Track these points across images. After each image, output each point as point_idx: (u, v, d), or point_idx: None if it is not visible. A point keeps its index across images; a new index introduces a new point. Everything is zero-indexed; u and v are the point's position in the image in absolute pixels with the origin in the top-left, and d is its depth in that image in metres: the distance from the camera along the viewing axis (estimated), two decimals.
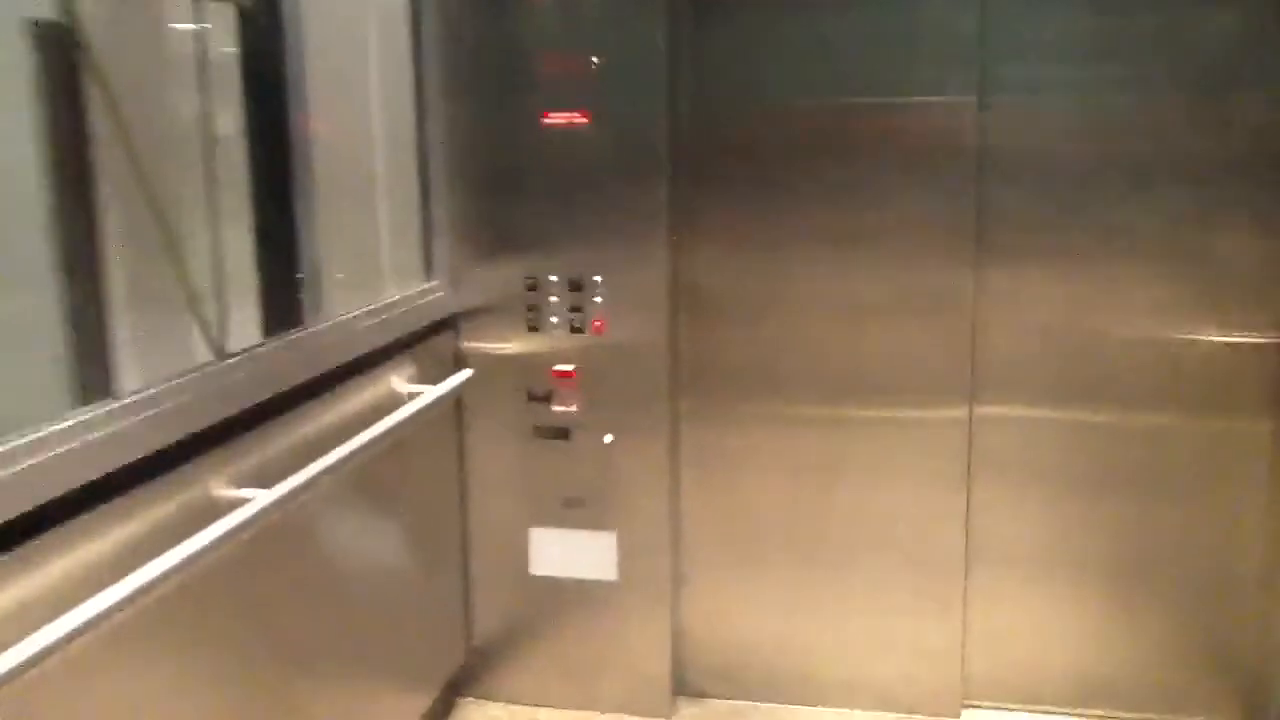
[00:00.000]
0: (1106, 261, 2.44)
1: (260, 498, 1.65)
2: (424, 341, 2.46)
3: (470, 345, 2.60)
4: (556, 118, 2.45)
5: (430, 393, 2.35)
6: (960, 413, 2.53)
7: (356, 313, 2.21)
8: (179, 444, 1.59)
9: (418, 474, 2.47)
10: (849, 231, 2.50)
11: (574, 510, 2.61)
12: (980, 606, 2.61)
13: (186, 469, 1.61)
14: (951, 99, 2.41)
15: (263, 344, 1.88)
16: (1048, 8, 2.40)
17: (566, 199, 2.50)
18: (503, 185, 2.53)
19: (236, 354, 1.78)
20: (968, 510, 2.56)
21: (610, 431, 2.55)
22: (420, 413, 2.22)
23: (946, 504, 2.57)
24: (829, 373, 2.57)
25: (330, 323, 2.14)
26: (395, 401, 2.28)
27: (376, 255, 2.67)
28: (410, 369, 2.38)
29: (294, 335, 2.00)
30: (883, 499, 2.59)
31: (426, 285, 2.57)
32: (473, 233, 2.57)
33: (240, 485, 1.72)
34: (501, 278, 2.57)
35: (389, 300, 2.36)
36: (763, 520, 2.65)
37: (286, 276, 2.61)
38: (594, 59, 2.42)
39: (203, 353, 1.80)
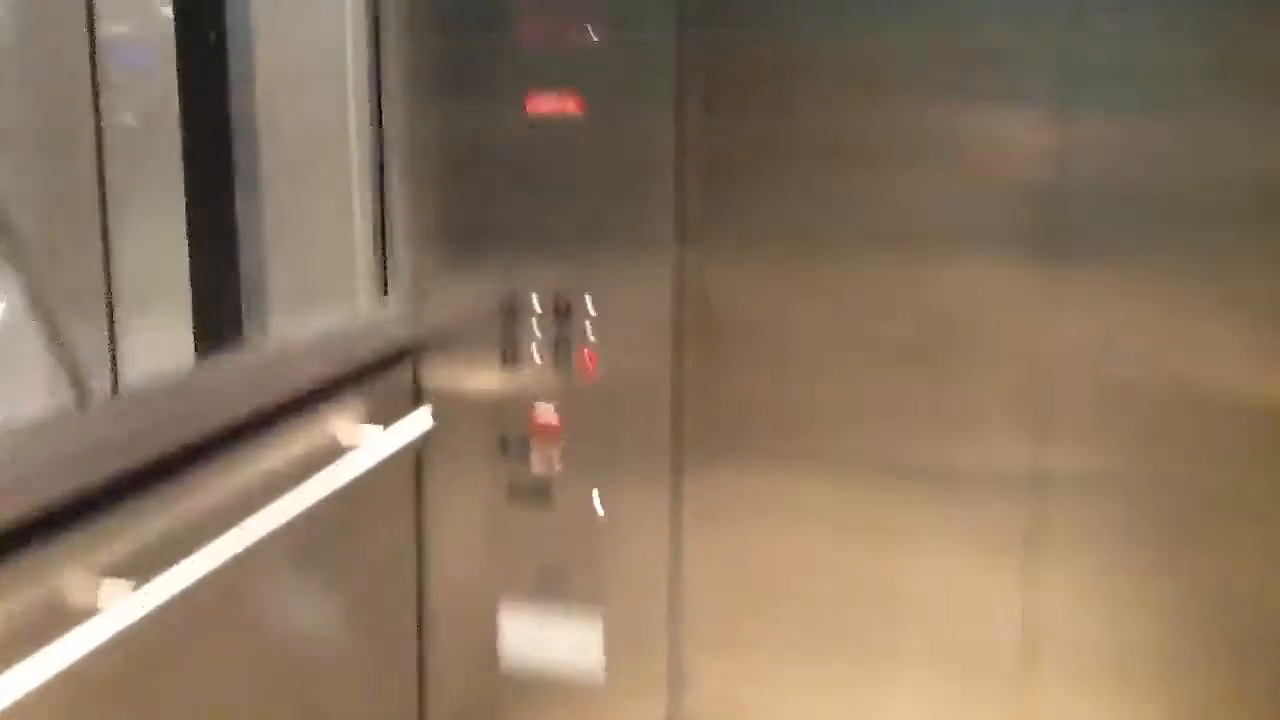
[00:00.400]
0: (1199, 297, 2.04)
1: (118, 604, 1.20)
2: (376, 374, 2.03)
3: (432, 380, 2.17)
4: (543, 104, 2.03)
5: (382, 439, 1.94)
6: (1023, 467, 2.11)
7: (287, 340, 1.78)
8: (21, 524, 1.16)
9: (365, 536, 2.04)
10: (895, 250, 2.09)
11: (554, 584, 2.18)
12: None
13: (37, 557, 1.17)
14: (1026, 111, 2.00)
15: (148, 383, 1.44)
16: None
17: (551, 203, 2.08)
18: (475, 186, 2.10)
19: (107, 398, 1.33)
20: (1025, 591, 2.14)
21: (601, 490, 2.13)
22: (368, 464, 1.81)
23: (1001, 579, 2.14)
24: (868, 414, 2.13)
25: (247, 354, 1.71)
26: (336, 450, 1.85)
27: (323, 269, 2.29)
28: (358, 409, 1.94)
29: (193, 372, 1.56)
30: (927, 572, 2.15)
31: (381, 305, 2.14)
32: (437, 243, 2.14)
33: (110, 575, 1.28)
34: (471, 298, 2.14)
35: (332, 324, 1.94)
36: (780, 596, 2.21)
37: (221, 291, 2.26)
38: (590, 29, 1.99)
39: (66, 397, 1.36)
